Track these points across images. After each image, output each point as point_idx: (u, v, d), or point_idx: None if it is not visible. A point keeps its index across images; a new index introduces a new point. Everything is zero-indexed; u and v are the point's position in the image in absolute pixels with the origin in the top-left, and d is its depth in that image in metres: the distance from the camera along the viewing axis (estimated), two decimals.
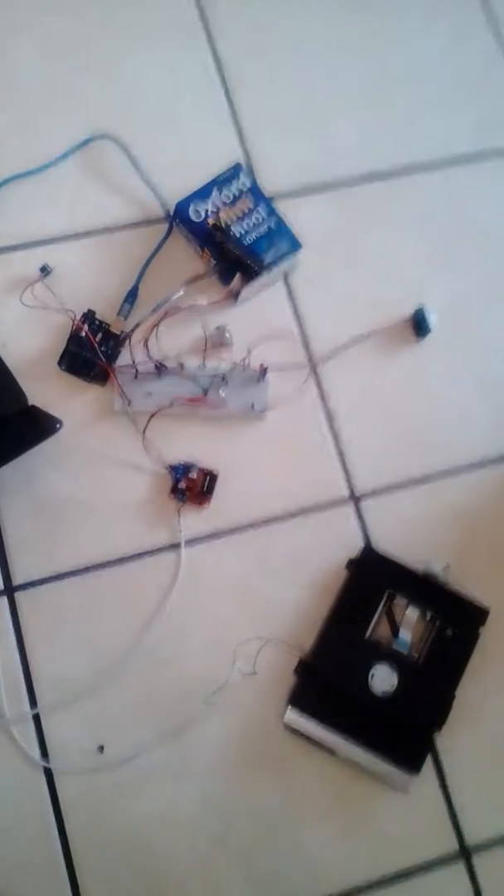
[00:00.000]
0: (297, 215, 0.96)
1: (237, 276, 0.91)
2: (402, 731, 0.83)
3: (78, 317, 0.90)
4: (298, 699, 0.84)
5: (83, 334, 0.89)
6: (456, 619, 0.87)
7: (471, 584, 0.88)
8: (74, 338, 0.90)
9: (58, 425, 0.82)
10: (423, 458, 0.94)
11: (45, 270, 0.92)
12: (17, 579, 0.85)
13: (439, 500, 0.93)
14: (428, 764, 0.85)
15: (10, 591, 0.85)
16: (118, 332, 0.91)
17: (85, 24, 1.02)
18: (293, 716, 0.83)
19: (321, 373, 0.94)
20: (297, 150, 1.01)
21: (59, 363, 0.90)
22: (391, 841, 0.83)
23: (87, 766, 0.82)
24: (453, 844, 0.84)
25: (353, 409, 0.94)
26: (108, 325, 0.91)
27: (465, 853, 0.84)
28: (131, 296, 0.92)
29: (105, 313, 0.91)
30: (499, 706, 0.87)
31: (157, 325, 0.90)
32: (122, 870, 0.81)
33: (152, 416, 0.89)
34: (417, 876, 0.83)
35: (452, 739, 0.85)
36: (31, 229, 0.94)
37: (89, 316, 0.90)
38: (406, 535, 0.90)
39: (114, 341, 0.91)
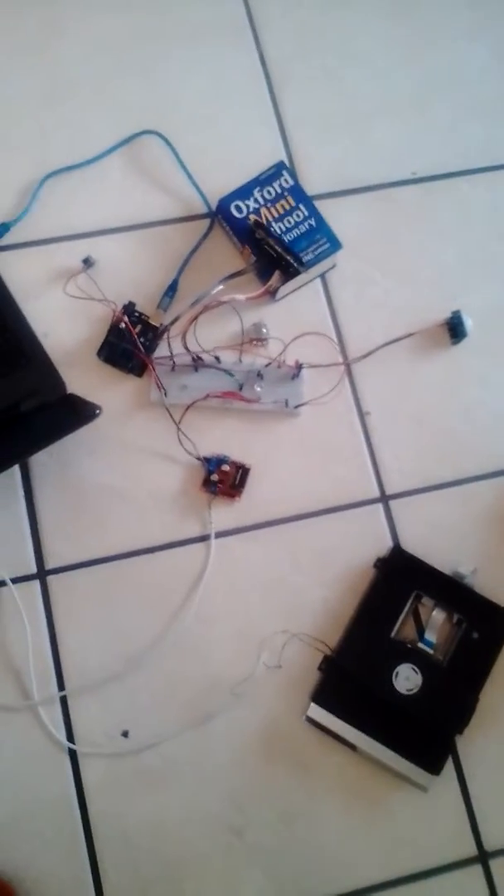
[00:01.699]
0: (338, 216, 0.97)
1: (276, 273, 0.92)
2: (424, 731, 0.83)
3: (118, 308, 0.91)
4: (322, 695, 0.84)
5: (123, 325, 0.91)
6: (482, 623, 0.87)
7: (498, 589, 0.88)
8: (114, 329, 0.91)
9: (97, 411, 0.83)
10: (454, 461, 0.94)
11: (87, 262, 0.93)
12: (50, 564, 0.87)
13: (469, 503, 0.93)
14: (449, 766, 0.85)
15: (42, 574, 0.86)
16: (157, 325, 0.92)
17: (132, 23, 1.04)
18: (316, 711, 0.84)
19: (355, 372, 0.95)
20: (339, 151, 1.02)
21: (99, 353, 0.91)
22: (409, 841, 0.84)
23: (112, 751, 0.83)
24: (472, 848, 0.84)
25: (386, 409, 0.94)
26: (148, 318, 0.92)
27: (482, 857, 0.84)
28: (171, 289, 0.94)
29: (145, 306, 0.93)
30: None
31: (195, 318, 0.91)
32: (142, 854, 0.81)
33: (188, 408, 0.90)
34: (434, 877, 0.83)
35: (474, 743, 0.85)
36: (75, 222, 0.96)
37: (129, 308, 0.92)
38: (435, 537, 0.91)
39: (152, 333, 0.92)
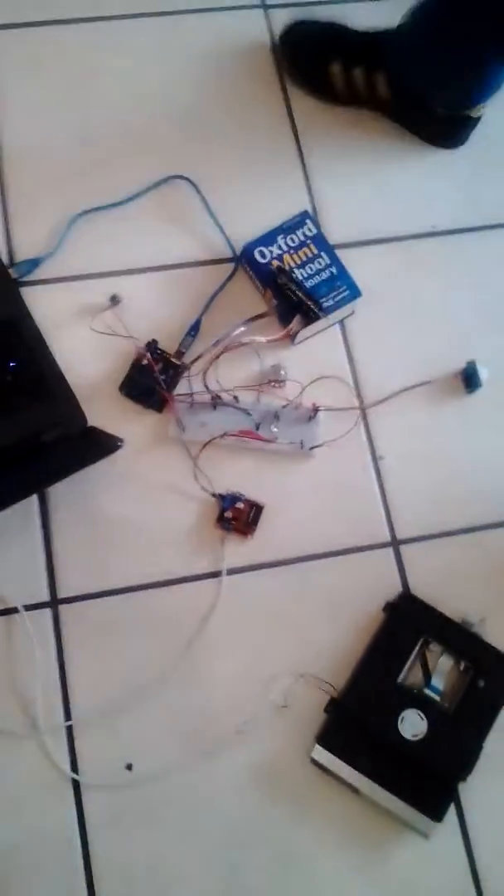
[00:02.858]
0: (358, 265, 0.99)
1: (296, 318, 0.95)
2: (428, 777, 0.83)
3: (142, 345, 0.94)
4: (327, 737, 0.84)
5: (145, 362, 0.93)
6: (489, 672, 0.87)
7: None
8: (137, 365, 0.94)
9: (119, 444, 0.85)
10: (466, 508, 0.95)
11: (114, 300, 0.96)
12: (62, 593, 0.88)
13: (480, 552, 0.94)
14: (451, 814, 0.85)
15: (54, 603, 0.87)
16: (178, 363, 0.94)
17: (167, 72, 1.08)
18: (320, 753, 0.83)
19: (371, 417, 0.97)
20: (362, 202, 1.05)
21: (121, 388, 0.94)
22: (408, 887, 0.83)
23: (115, 783, 0.83)
24: None
25: (399, 454, 0.96)
26: (170, 356, 0.94)
27: None
28: (194, 329, 0.96)
29: (167, 344, 0.95)
30: None
31: (216, 358, 0.94)
32: (139, 888, 0.81)
33: (205, 445, 0.92)
34: None
35: (477, 791, 0.85)
36: (103, 260, 0.99)
37: (152, 345, 0.94)
38: (444, 584, 0.91)
39: (173, 371, 0.94)
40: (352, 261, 0.99)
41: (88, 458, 0.86)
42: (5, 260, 0.97)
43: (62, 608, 0.87)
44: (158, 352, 0.94)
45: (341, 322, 1.00)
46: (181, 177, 1.02)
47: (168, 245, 1.00)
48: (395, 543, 0.93)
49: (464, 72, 0.99)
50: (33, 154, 1.03)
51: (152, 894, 0.81)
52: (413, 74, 1.02)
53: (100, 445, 0.86)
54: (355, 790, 0.83)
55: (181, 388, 0.94)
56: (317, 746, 0.83)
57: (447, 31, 0.95)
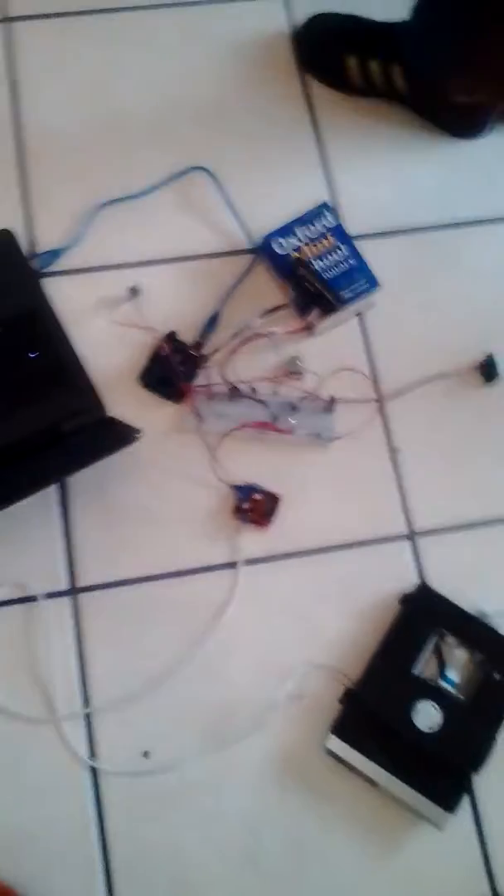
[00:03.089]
0: (378, 256, 0.99)
1: (315, 310, 0.95)
2: (441, 768, 0.83)
3: (161, 337, 0.94)
4: (341, 727, 0.85)
5: (164, 353, 0.93)
6: None
7: None
8: (156, 356, 0.94)
9: (137, 435, 0.86)
10: (484, 501, 0.95)
11: (134, 291, 0.97)
12: (81, 582, 0.89)
13: (497, 544, 0.94)
14: (465, 806, 0.85)
15: (73, 592, 0.88)
16: (197, 354, 0.95)
17: (188, 65, 1.08)
18: (335, 743, 0.84)
19: (388, 409, 0.97)
20: (381, 193, 1.05)
21: (140, 379, 0.94)
22: (421, 877, 0.83)
23: (132, 770, 0.84)
24: (485, 889, 0.84)
25: (417, 446, 0.96)
26: (189, 347, 0.95)
27: None
28: (212, 321, 0.96)
29: (186, 335, 0.96)
30: None
31: (234, 350, 0.94)
32: (156, 875, 0.82)
33: (223, 436, 0.92)
34: None
35: (491, 784, 0.86)
36: (124, 252, 0.99)
37: (172, 336, 0.95)
38: (461, 577, 0.92)
39: (192, 362, 0.94)
40: (371, 252, 0.99)
41: (107, 448, 0.86)
42: (27, 251, 0.97)
43: (81, 597, 0.88)
44: (177, 343, 0.95)
45: (360, 314, 1.00)
46: (201, 168, 1.02)
47: (187, 236, 1.01)
48: (412, 535, 0.94)
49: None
50: (55, 145, 1.03)
51: (169, 881, 0.82)
52: (427, 65, 1.01)
53: (118, 436, 0.86)
54: (369, 780, 0.83)
55: (199, 379, 0.94)
56: (331, 736, 0.84)
57: (457, 17, 0.95)
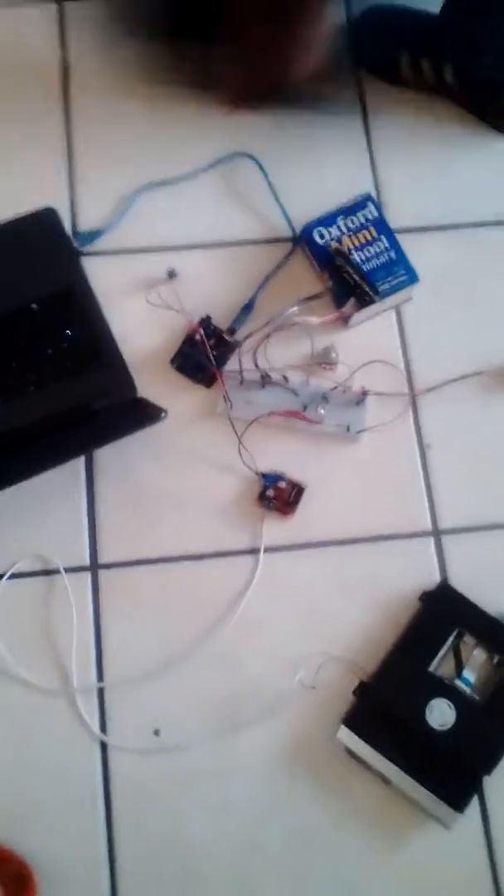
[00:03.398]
0: (419, 251, 0.98)
1: (351, 301, 0.94)
2: (452, 767, 0.83)
3: (195, 320, 0.95)
4: (353, 720, 0.84)
5: (198, 337, 0.94)
6: None
7: None
8: (189, 339, 0.94)
9: (162, 414, 0.86)
10: None
11: (171, 274, 0.97)
12: (103, 558, 0.90)
13: None
14: (474, 809, 0.84)
15: (94, 568, 0.89)
16: (230, 340, 0.95)
17: None
18: (346, 735, 0.84)
19: (420, 404, 0.96)
20: (426, 188, 1.04)
21: (172, 362, 0.95)
22: (426, 875, 0.83)
23: (142, 747, 0.84)
24: (489, 891, 0.83)
25: (447, 444, 0.95)
26: (222, 332, 0.95)
27: None
28: (248, 307, 0.96)
29: (221, 320, 0.96)
30: None
31: (268, 336, 0.94)
32: (160, 854, 0.83)
33: (251, 423, 0.92)
34: None
35: (502, 788, 0.84)
36: (164, 234, 1.00)
37: (206, 321, 0.95)
38: (484, 577, 0.90)
39: (225, 347, 0.95)
40: (412, 246, 0.98)
41: (131, 426, 0.87)
42: (69, 229, 0.98)
43: (102, 573, 0.89)
44: (212, 328, 0.95)
45: (397, 307, 0.99)
46: (246, 154, 1.02)
47: (228, 222, 1.01)
48: (437, 533, 0.93)
49: None
50: (101, 127, 1.04)
51: (171, 860, 0.83)
52: (472, 60, 1.00)
53: (144, 414, 0.87)
54: (379, 774, 0.83)
55: (231, 364, 0.95)
56: (343, 728, 0.84)
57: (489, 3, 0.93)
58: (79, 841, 0.83)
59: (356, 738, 0.84)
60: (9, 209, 0.97)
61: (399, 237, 0.99)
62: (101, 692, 0.86)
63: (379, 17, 1.09)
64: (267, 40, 0.91)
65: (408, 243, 0.99)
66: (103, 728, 0.85)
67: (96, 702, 0.86)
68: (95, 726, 0.85)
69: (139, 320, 0.96)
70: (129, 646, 0.87)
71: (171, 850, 0.83)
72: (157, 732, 0.85)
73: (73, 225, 0.99)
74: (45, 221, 0.96)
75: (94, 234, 0.99)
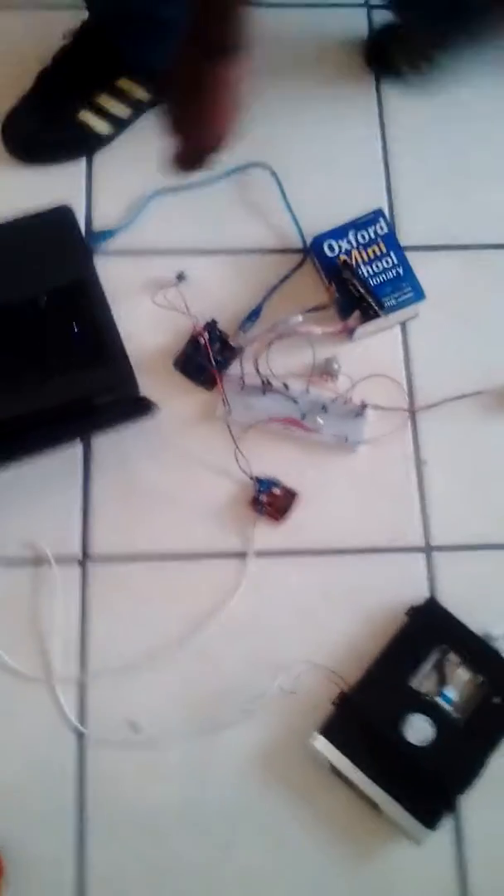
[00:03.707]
0: (427, 269, 0.99)
1: (356, 313, 0.95)
2: (427, 784, 0.82)
3: (201, 324, 0.96)
4: (330, 729, 0.84)
5: (202, 340, 0.95)
6: None
7: None
8: (193, 342, 0.96)
9: (153, 409, 0.87)
10: None
11: (180, 277, 0.99)
12: (93, 551, 0.91)
13: None
14: (448, 827, 0.84)
15: (84, 559, 0.90)
16: (235, 345, 0.96)
17: (265, 59, 1.10)
18: (321, 744, 0.83)
19: (420, 420, 0.96)
20: (439, 207, 1.05)
21: (175, 363, 0.96)
22: (393, 890, 0.82)
23: (118, 740, 0.85)
24: None
25: (444, 462, 0.95)
26: (227, 337, 0.96)
27: None
28: (255, 314, 0.98)
29: (226, 326, 0.97)
30: None
31: (270, 343, 0.95)
32: (128, 850, 0.83)
33: (249, 427, 0.93)
34: None
35: (478, 809, 0.84)
36: (176, 238, 1.02)
37: (211, 325, 0.96)
38: (472, 596, 0.90)
39: (229, 352, 0.96)
40: (421, 264, 0.99)
41: (122, 418, 0.88)
42: (83, 228, 1.00)
43: (91, 565, 0.90)
44: (217, 332, 0.96)
45: (403, 324, 1.00)
46: (262, 164, 1.04)
47: (240, 230, 1.03)
48: (428, 549, 0.93)
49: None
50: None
51: (139, 854, 0.82)
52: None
53: (136, 408, 0.88)
54: (352, 785, 0.83)
55: (233, 370, 0.96)
56: (318, 736, 0.83)
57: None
58: (49, 829, 0.83)
59: (331, 747, 0.83)
60: (28, 205, 0.99)
61: (409, 254, 1.00)
62: (81, 683, 0.87)
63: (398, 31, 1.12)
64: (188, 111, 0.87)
65: (417, 260, 1.00)
66: (81, 719, 0.86)
67: (76, 692, 0.86)
68: (74, 716, 0.85)
69: (146, 320, 0.98)
70: (113, 639, 0.88)
71: (140, 845, 0.83)
72: (134, 727, 0.85)
73: (88, 224, 1.01)
74: (60, 218, 0.98)
75: (107, 234, 1.01)
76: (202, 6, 0.75)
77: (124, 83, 1.04)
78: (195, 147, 0.85)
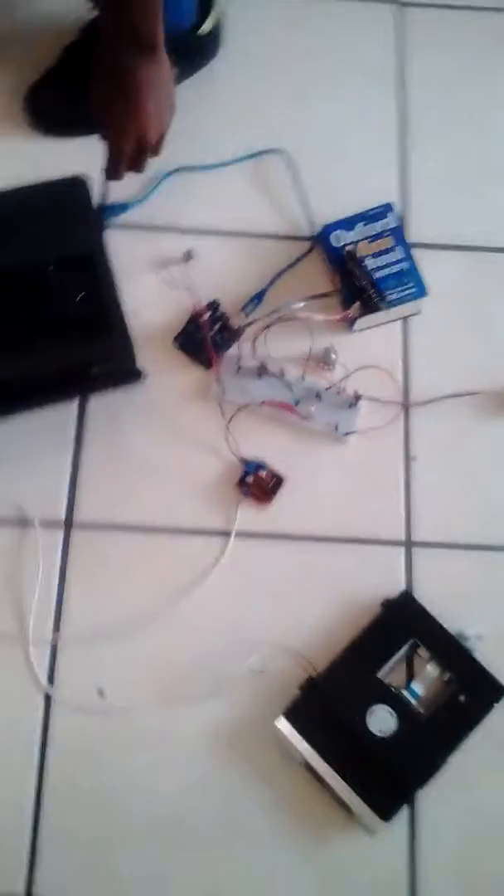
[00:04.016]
0: (433, 266, 1.00)
1: (357, 304, 0.96)
2: (386, 775, 0.82)
3: (203, 303, 0.97)
4: (295, 713, 0.84)
5: (202, 319, 0.96)
6: (472, 689, 0.86)
7: (498, 662, 0.87)
8: (195, 320, 0.97)
9: (141, 377, 0.88)
10: (488, 527, 0.94)
11: (187, 255, 1.00)
12: (78, 517, 0.92)
13: (492, 571, 0.92)
14: (404, 819, 0.84)
15: (68, 525, 0.91)
16: (235, 327, 0.97)
17: (286, 51, 1.12)
18: (284, 726, 0.84)
19: (412, 416, 0.97)
20: (452, 206, 1.06)
21: (175, 339, 0.97)
22: (344, 878, 0.83)
23: (85, 706, 0.86)
24: None
25: (433, 459, 0.96)
26: (228, 318, 0.97)
27: None
28: (258, 297, 0.98)
29: (229, 307, 0.98)
30: (488, 788, 0.86)
31: (269, 326, 0.96)
32: (83, 814, 0.84)
33: (240, 409, 0.94)
34: None
35: (435, 804, 0.84)
36: (187, 217, 1.03)
37: (214, 305, 0.97)
38: (448, 594, 0.90)
39: (229, 334, 0.97)
40: (428, 261, 1.00)
41: (109, 383, 0.89)
42: (97, 200, 1.01)
43: (74, 531, 0.91)
44: (219, 312, 0.97)
45: (405, 319, 1.00)
46: (279, 150, 1.04)
47: (251, 213, 1.03)
48: (409, 544, 0.93)
49: None
50: None
51: (93, 820, 0.83)
52: None
53: (125, 374, 0.89)
54: (311, 770, 0.83)
55: (232, 351, 0.96)
56: (282, 719, 0.84)
57: None
58: (6, 787, 0.84)
59: (294, 731, 0.84)
60: (47, 177, 1.00)
61: (416, 251, 1.00)
62: (54, 646, 0.88)
63: None
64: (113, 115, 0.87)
65: (425, 258, 1.00)
66: (51, 681, 0.87)
67: (48, 655, 0.88)
68: (43, 678, 0.87)
69: (151, 296, 0.99)
70: (88, 606, 0.89)
71: (95, 811, 0.84)
72: (101, 693, 0.86)
73: (102, 196, 1.02)
74: (74, 188, 0.98)
75: (121, 207, 1.01)
76: (123, 4, 0.74)
77: None
78: (121, 150, 0.87)
